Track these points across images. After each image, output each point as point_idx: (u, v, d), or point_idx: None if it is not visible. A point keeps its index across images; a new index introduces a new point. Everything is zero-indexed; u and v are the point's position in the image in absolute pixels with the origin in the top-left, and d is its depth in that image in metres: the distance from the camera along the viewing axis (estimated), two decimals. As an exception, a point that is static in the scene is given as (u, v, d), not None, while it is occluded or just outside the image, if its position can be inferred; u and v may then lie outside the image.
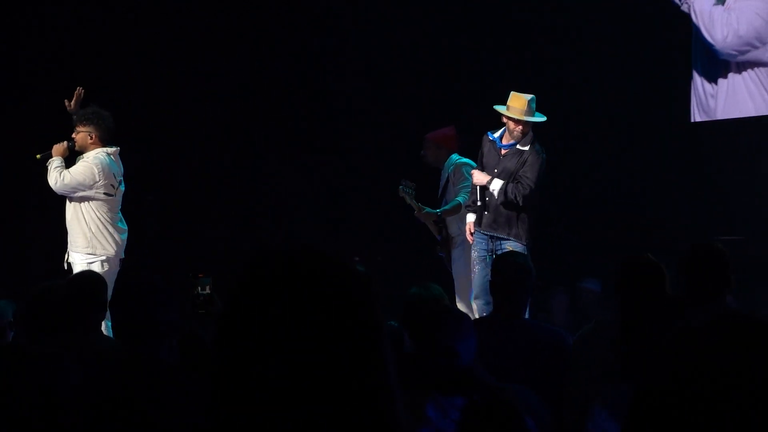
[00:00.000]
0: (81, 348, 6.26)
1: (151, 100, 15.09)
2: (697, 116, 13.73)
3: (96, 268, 10.51)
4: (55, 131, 11.54)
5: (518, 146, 10.86)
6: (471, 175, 11.07)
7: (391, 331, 6.62)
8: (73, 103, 11.23)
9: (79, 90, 11.26)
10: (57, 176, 10.78)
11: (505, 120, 10.90)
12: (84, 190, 10.82)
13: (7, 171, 14.10)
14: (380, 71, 15.22)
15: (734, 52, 13.16)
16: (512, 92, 10.88)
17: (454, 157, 12.02)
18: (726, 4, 13.37)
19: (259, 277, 2.17)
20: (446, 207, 11.77)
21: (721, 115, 13.49)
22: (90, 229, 10.85)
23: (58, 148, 10.94)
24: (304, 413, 2.10)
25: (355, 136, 15.07)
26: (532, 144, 10.87)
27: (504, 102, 10.90)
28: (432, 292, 7.84)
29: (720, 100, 13.60)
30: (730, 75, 13.48)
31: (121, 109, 13.83)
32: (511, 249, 10.34)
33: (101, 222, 10.88)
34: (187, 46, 15.38)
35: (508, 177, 10.82)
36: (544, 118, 10.94)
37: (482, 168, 11.03)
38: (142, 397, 4.67)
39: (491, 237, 10.82)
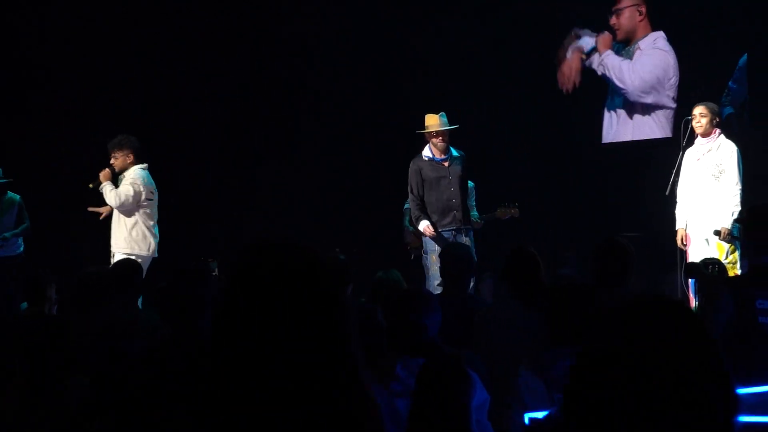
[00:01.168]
0: (121, 319, 6.35)
1: (154, 102, 14.48)
2: (608, 139, 14.02)
3: None
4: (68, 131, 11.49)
5: (452, 154, 10.97)
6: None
7: (364, 307, 6.69)
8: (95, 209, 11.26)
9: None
10: (115, 197, 10.85)
11: (428, 138, 10.93)
12: (135, 204, 10.91)
13: (57, 180, 13.99)
14: (368, 77, 14.77)
15: (642, 94, 13.45)
16: (426, 114, 10.94)
17: None
18: (633, 59, 13.66)
19: (245, 267, 2.22)
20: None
21: (626, 138, 13.76)
22: (130, 233, 10.92)
23: (105, 174, 10.96)
24: (284, 373, 2.14)
25: (342, 141, 14.66)
26: (455, 151, 11.03)
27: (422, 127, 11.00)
28: (392, 276, 7.98)
29: (626, 127, 13.85)
30: (632, 110, 13.79)
31: (126, 112, 13.77)
32: (457, 242, 10.44)
33: (139, 228, 10.96)
34: (187, 48, 14.63)
35: (461, 178, 10.91)
36: (457, 126, 11.02)
37: (423, 182, 11.01)
38: (184, 361, 4.67)
39: (456, 230, 10.83)
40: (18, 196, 12.17)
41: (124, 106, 14.16)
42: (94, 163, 11.52)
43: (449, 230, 10.83)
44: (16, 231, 11.99)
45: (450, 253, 7.99)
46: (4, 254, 11.91)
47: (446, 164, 10.92)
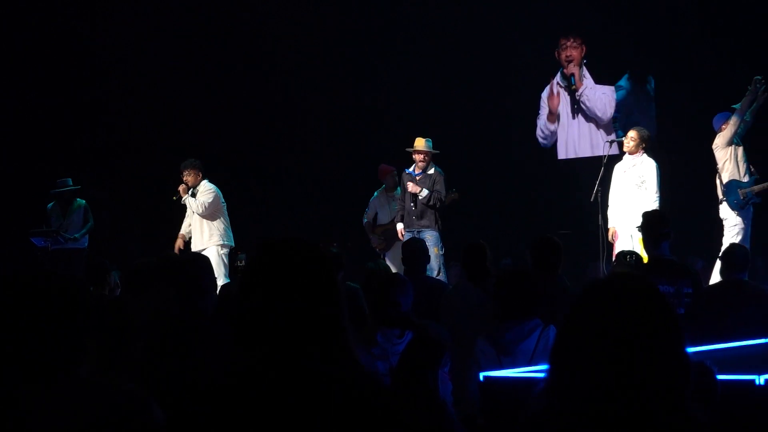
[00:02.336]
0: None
1: (165, 111, 14.19)
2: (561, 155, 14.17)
3: (223, 252, 11.11)
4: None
5: (426, 173, 11.00)
6: (407, 186, 10.98)
7: (350, 289, 6.76)
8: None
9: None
10: (200, 206, 11.07)
11: (414, 155, 11.03)
12: (215, 208, 11.14)
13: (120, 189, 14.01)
14: (361, 87, 14.47)
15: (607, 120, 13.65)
16: (417, 138, 11.03)
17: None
18: (586, 86, 13.90)
19: (263, 256, 2.25)
20: None
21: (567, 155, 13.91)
22: (219, 229, 11.16)
23: (183, 188, 11.22)
24: (290, 338, 2.16)
25: (338, 151, 14.43)
26: (434, 168, 11.01)
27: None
28: (381, 265, 8.08)
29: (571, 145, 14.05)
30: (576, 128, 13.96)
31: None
32: (414, 237, 10.46)
33: (224, 224, 11.25)
34: (188, 57, 14.17)
35: (428, 192, 10.88)
36: (437, 151, 11.12)
37: (404, 193, 11.15)
38: (189, 334, 4.66)
39: (417, 231, 10.88)
40: (84, 201, 12.40)
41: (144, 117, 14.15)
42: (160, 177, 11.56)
43: (409, 230, 10.94)
44: (83, 231, 12.23)
45: (407, 246, 8.13)
46: (73, 247, 12.13)
47: (418, 179, 11.00)
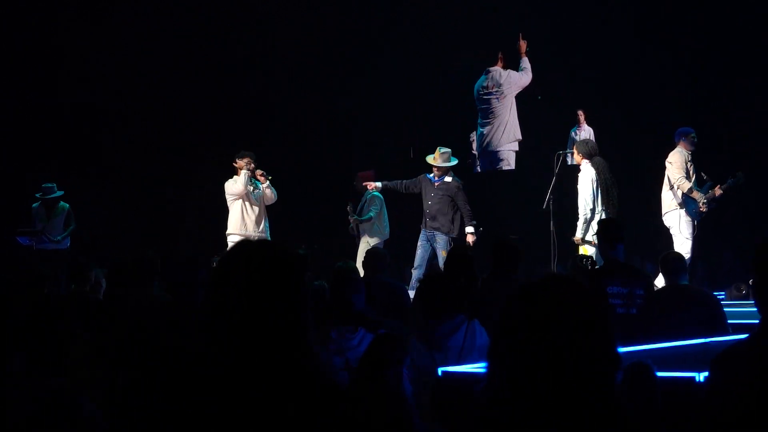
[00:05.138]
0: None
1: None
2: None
3: None
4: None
5: (444, 179, 10.80)
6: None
7: (317, 288, 6.77)
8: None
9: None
10: (272, 192, 10.64)
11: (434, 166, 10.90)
12: None
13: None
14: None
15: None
16: (438, 147, 10.93)
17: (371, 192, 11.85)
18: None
19: (232, 258, 2.26)
20: (364, 218, 11.72)
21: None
22: None
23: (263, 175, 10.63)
24: (253, 332, 2.15)
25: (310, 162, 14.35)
26: (452, 177, 10.85)
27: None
28: (349, 266, 8.07)
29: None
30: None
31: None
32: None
33: None
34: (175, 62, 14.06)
35: (449, 200, 10.73)
36: (456, 162, 11.00)
37: (420, 193, 11.00)
38: (182, 323, 4.67)
39: (430, 233, 10.75)
40: (67, 205, 12.43)
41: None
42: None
43: (424, 231, 10.85)
44: (65, 233, 12.26)
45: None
46: (56, 247, 12.13)
47: (436, 185, 10.84)
